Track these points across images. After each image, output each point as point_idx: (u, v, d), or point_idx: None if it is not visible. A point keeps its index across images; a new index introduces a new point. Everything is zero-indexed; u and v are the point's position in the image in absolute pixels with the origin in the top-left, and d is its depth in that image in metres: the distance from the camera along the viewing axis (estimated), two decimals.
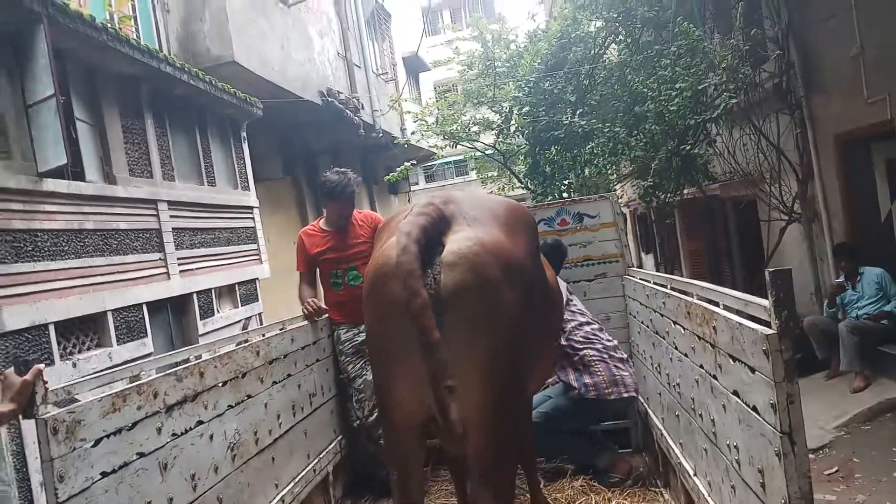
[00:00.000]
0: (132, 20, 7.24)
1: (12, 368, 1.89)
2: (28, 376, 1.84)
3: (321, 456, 3.78)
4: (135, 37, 6.65)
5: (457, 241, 2.26)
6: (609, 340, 4.02)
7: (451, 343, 2.16)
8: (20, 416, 1.85)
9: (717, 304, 2.33)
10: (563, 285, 4.04)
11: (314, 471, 3.64)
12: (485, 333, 2.23)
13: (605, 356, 3.89)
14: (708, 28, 7.84)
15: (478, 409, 2.28)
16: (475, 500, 2.60)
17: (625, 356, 4.03)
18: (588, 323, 4.04)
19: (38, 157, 4.96)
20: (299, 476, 3.44)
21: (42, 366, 1.92)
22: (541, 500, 3.73)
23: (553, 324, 3.30)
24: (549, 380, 4.13)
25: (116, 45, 5.75)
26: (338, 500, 4.03)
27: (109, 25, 5.82)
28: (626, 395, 3.84)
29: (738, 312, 2.14)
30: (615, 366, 3.87)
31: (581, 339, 3.92)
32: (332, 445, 3.99)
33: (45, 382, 1.91)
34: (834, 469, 4.75)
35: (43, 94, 4.91)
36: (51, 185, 5.10)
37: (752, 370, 1.92)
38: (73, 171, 5.48)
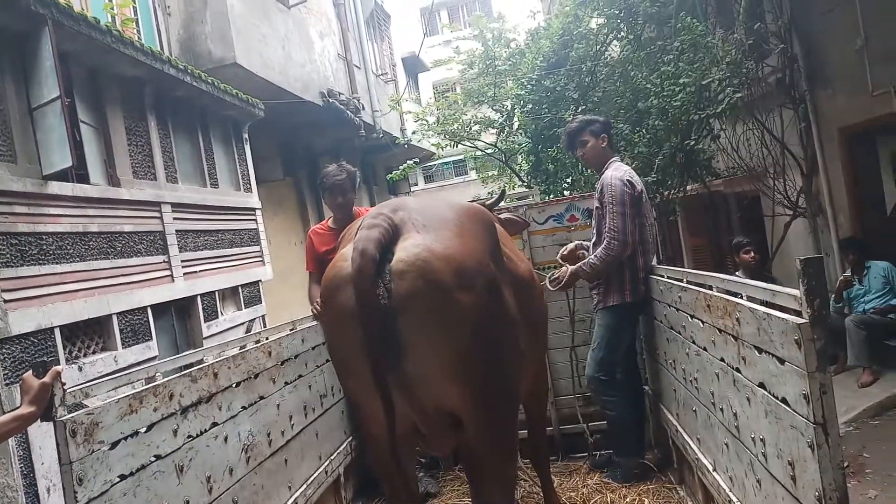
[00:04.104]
0: (134, 23, 7.22)
1: (31, 371, 1.85)
2: (47, 378, 1.81)
3: (332, 457, 3.75)
4: (137, 39, 6.62)
5: (405, 249, 2.26)
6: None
7: (410, 350, 2.21)
8: (39, 420, 1.81)
9: (738, 296, 2.30)
10: (623, 172, 3.93)
11: (326, 472, 3.61)
12: (445, 337, 2.24)
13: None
14: (710, 23, 7.80)
15: (463, 407, 2.35)
16: (475, 494, 2.64)
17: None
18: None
19: (43, 160, 4.93)
20: (311, 478, 3.41)
21: (60, 367, 1.88)
22: (554, 500, 3.72)
23: (536, 313, 3.24)
24: None
25: (120, 47, 5.73)
26: (349, 502, 4.00)
27: (113, 28, 5.79)
28: (620, 301, 3.90)
29: (760, 303, 2.12)
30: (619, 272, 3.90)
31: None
32: (343, 447, 3.95)
33: (63, 384, 1.88)
34: (845, 465, 4.73)
35: (48, 97, 4.88)
36: (55, 187, 5.07)
37: (782, 361, 1.88)
38: (78, 173, 5.44)
